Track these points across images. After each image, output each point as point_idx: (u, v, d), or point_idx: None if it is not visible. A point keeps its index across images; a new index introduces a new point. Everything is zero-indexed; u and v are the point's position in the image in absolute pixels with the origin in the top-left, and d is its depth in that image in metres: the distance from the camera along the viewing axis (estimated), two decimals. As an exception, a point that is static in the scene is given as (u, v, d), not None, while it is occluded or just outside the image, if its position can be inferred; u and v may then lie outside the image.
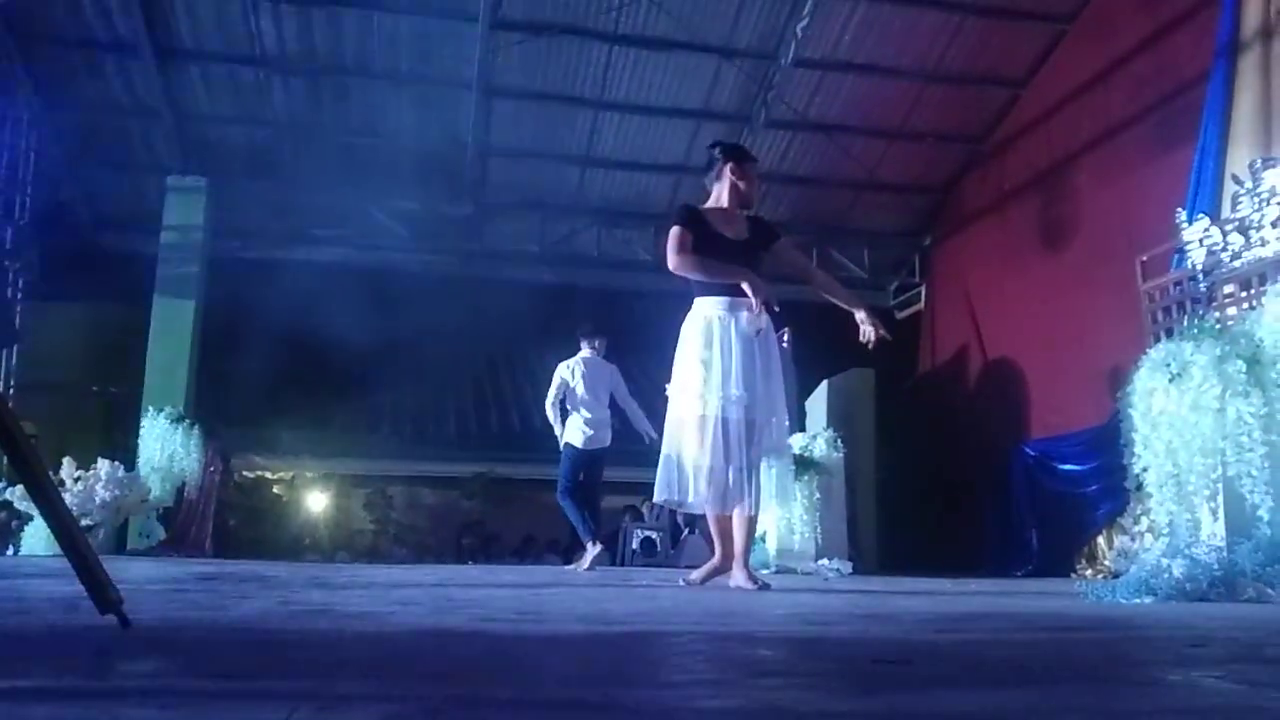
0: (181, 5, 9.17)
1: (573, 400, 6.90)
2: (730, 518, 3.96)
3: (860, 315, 4.15)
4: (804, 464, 8.14)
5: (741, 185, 4.20)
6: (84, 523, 7.60)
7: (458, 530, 13.41)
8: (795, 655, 1.60)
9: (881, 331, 4.14)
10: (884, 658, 1.52)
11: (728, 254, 4.03)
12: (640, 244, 11.82)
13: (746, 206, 4.27)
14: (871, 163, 11.11)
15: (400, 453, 13.36)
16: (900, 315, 12.66)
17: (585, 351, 7.05)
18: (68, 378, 11.06)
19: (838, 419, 9.37)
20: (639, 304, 11.62)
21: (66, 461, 8.25)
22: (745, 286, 3.90)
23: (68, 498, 7.33)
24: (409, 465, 13.55)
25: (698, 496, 4.01)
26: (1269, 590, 3.27)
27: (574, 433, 6.85)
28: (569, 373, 6.96)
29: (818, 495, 8.06)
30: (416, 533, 13.55)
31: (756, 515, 4.02)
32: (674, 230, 4.05)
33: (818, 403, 9.89)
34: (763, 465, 4.07)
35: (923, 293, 12.37)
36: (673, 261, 4.00)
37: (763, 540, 7.88)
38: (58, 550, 1.62)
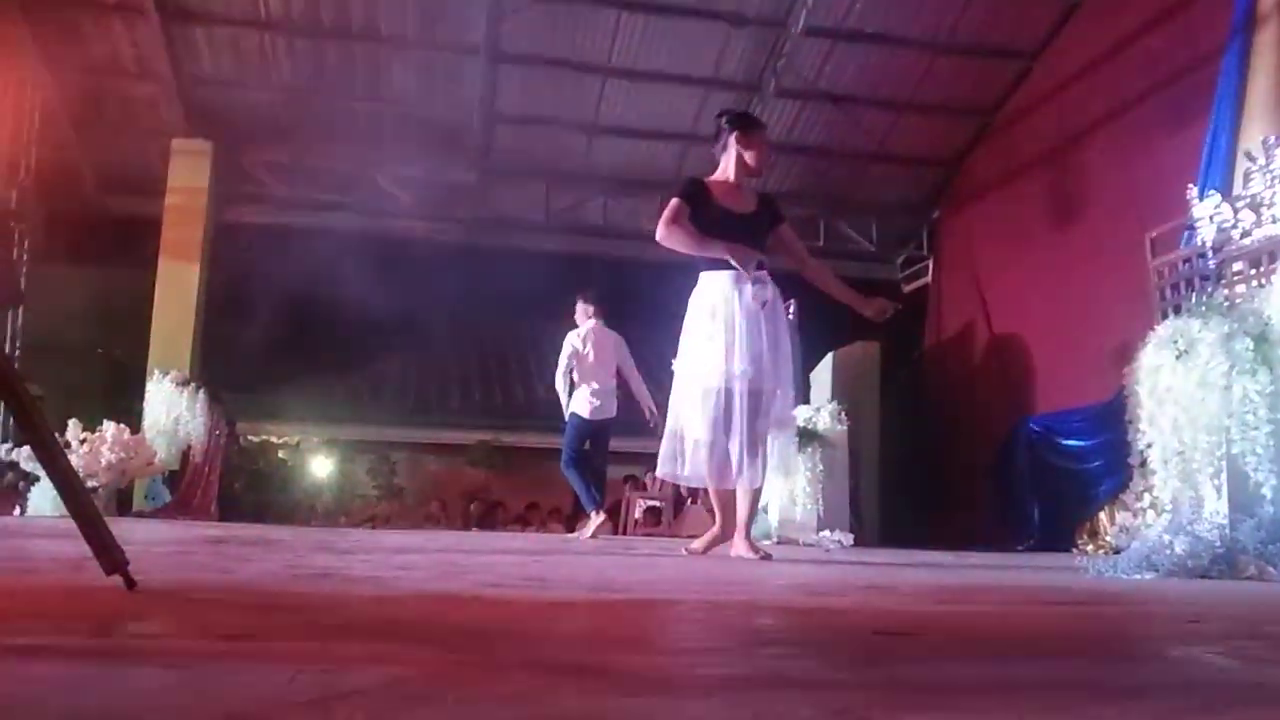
0: (187, -34, 9.08)
1: (582, 370, 6.90)
2: (732, 490, 3.97)
3: (860, 309, 4.11)
4: (808, 436, 8.15)
5: (748, 156, 4.16)
6: (90, 484, 7.64)
7: (464, 498, 13.48)
8: (796, 625, 1.61)
9: (887, 311, 4.12)
10: (885, 628, 1.52)
11: (731, 228, 4.01)
12: (647, 213, 11.74)
13: (756, 175, 4.24)
14: (881, 134, 11.02)
15: (404, 420, 13.42)
16: (907, 288, 12.61)
17: (591, 320, 7.04)
18: (73, 341, 11.07)
19: (842, 391, 9.37)
20: (646, 274, 11.58)
21: (72, 423, 8.28)
22: (731, 259, 3.88)
23: (73, 459, 7.36)
24: (413, 432, 13.62)
25: (697, 470, 4.02)
26: (1270, 568, 3.28)
27: (580, 403, 6.86)
28: (580, 342, 6.94)
29: (821, 467, 8.09)
30: (419, 499, 13.63)
31: (761, 487, 4.03)
32: (672, 202, 4.04)
33: (822, 375, 9.89)
34: (768, 438, 4.05)
35: (930, 266, 12.31)
36: (660, 233, 4.00)
37: (765, 511, 7.91)
38: (64, 511, 1.63)
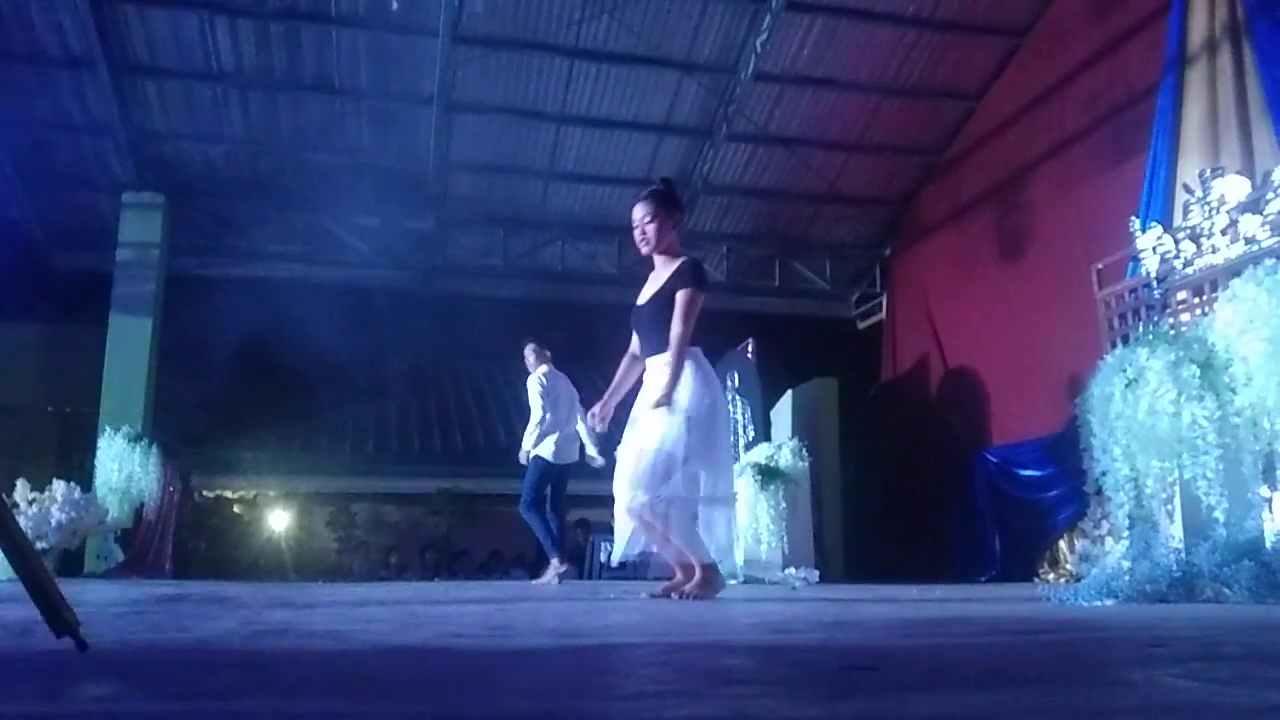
0: (137, 20, 9.06)
1: (553, 413, 6.84)
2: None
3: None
4: (770, 474, 8.17)
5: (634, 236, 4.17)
6: (39, 545, 7.44)
7: (421, 546, 13.29)
8: (763, 663, 1.60)
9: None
10: (852, 664, 1.52)
11: (634, 319, 4.14)
12: (604, 258, 11.83)
13: (647, 254, 4.17)
14: (831, 175, 11.23)
15: (363, 470, 13.22)
16: (862, 325, 12.79)
17: (546, 365, 7.03)
18: (22, 398, 10.84)
19: (802, 428, 9.44)
20: (604, 318, 11.62)
21: (20, 483, 8.08)
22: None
23: (22, 520, 7.17)
24: (372, 482, 13.41)
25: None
26: (1226, 590, 3.33)
27: (546, 446, 6.80)
28: (552, 384, 6.91)
29: (784, 505, 8.10)
30: (381, 550, 13.41)
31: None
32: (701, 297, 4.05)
33: (782, 412, 9.96)
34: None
35: (884, 303, 12.50)
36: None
37: (730, 550, 7.88)
38: (11, 575, 1.58)
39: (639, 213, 4.10)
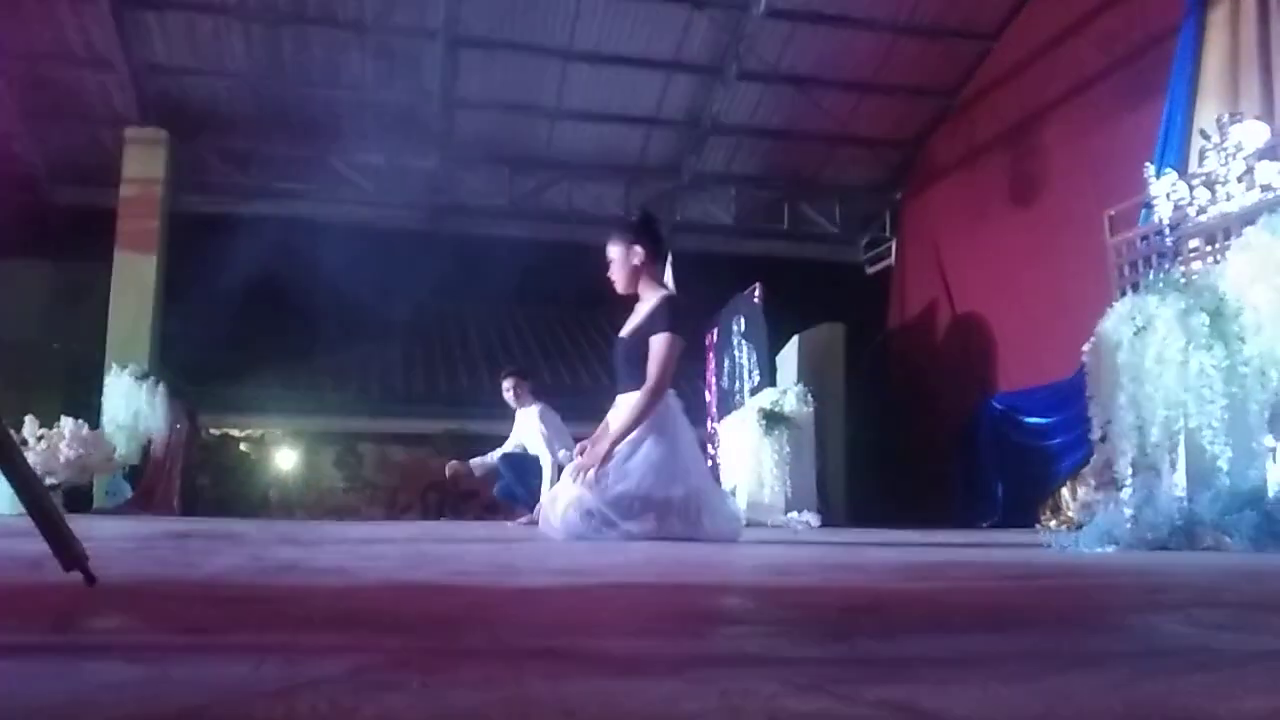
0: (137, -50, 8.90)
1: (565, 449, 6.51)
2: None
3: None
4: (774, 418, 8.20)
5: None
6: (48, 481, 7.52)
7: (423, 488, 13.42)
8: (764, 604, 1.62)
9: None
10: (851, 606, 1.54)
11: (612, 351, 4.14)
12: (611, 198, 11.74)
13: (621, 293, 4.08)
14: (843, 116, 11.07)
15: (369, 410, 13.29)
16: (871, 270, 12.71)
17: (538, 402, 6.84)
18: (28, 335, 10.87)
19: (808, 374, 9.44)
20: (608, 258, 11.55)
21: (28, 420, 8.14)
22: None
23: (31, 456, 7.24)
24: (378, 422, 13.50)
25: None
26: (1227, 539, 3.35)
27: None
28: (552, 419, 6.68)
29: (787, 449, 8.14)
30: (387, 490, 13.55)
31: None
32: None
33: (788, 357, 9.95)
34: None
35: (893, 248, 12.40)
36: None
37: (733, 493, 7.95)
38: (21, 509, 1.60)
39: (609, 251, 4.02)
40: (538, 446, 6.63)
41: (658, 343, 3.80)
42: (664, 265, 4.19)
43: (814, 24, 10.04)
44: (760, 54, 10.20)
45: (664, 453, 3.78)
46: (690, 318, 4.18)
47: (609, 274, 4.04)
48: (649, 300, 3.97)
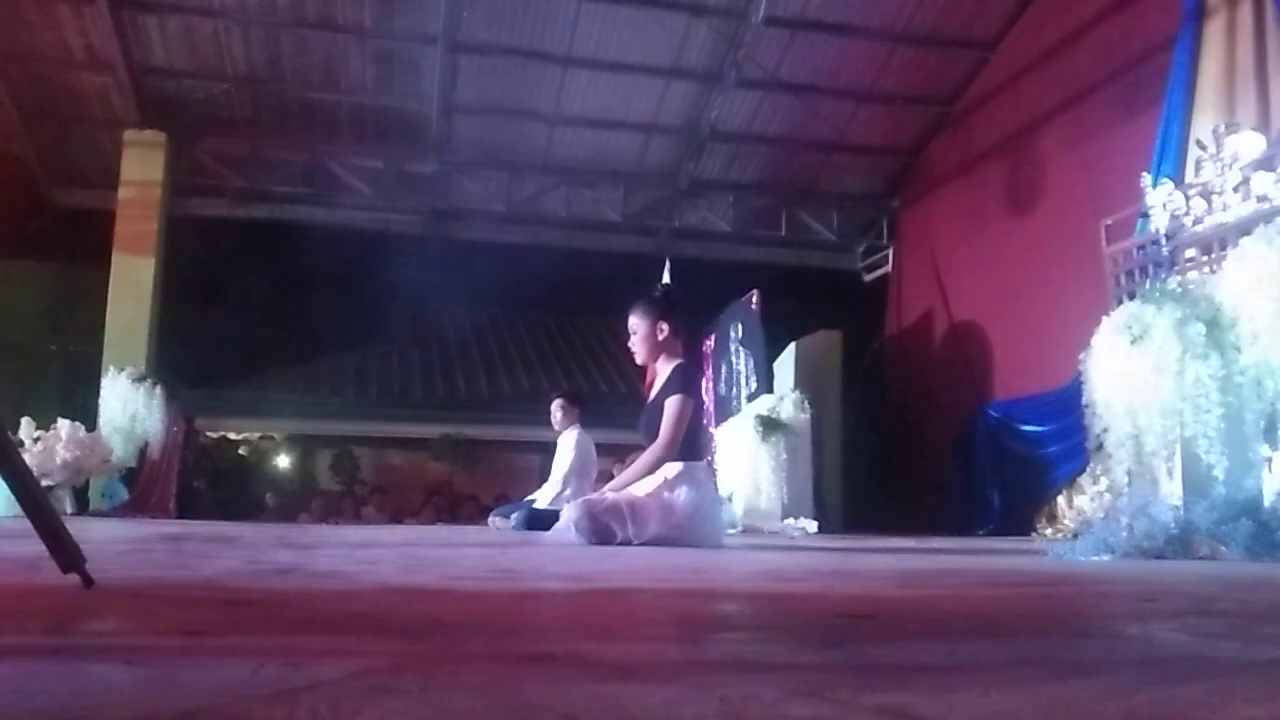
0: (137, -47, 8.90)
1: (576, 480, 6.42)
2: None
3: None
4: (771, 425, 8.20)
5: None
6: (44, 483, 7.50)
7: (425, 493, 13.41)
8: (762, 610, 1.62)
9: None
10: (849, 612, 1.54)
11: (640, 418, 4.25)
12: (609, 204, 11.75)
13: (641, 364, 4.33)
14: (841, 124, 11.09)
15: (366, 414, 13.29)
16: (868, 278, 12.73)
17: (578, 430, 6.62)
18: (25, 337, 10.86)
19: (805, 381, 9.45)
20: (608, 265, 11.58)
21: (25, 421, 8.12)
22: None
23: (27, 458, 7.21)
24: (375, 426, 13.49)
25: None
26: (1223, 547, 3.36)
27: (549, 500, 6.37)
28: (584, 449, 6.50)
29: (784, 456, 8.14)
30: (384, 494, 13.52)
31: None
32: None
33: (785, 364, 9.96)
34: None
35: (890, 255, 12.42)
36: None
37: (730, 500, 7.95)
38: (18, 511, 1.60)
39: (631, 322, 4.23)
40: (558, 466, 6.50)
41: (671, 404, 4.03)
42: (685, 339, 4.31)
43: (812, 32, 10.07)
44: (759, 61, 10.22)
45: (692, 498, 3.96)
46: (698, 375, 4.39)
47: (629, 344, 4.26)
48: (664, 371, 4.18)
